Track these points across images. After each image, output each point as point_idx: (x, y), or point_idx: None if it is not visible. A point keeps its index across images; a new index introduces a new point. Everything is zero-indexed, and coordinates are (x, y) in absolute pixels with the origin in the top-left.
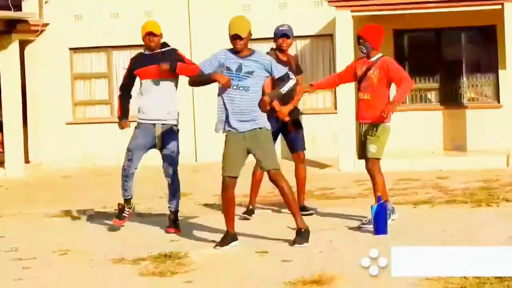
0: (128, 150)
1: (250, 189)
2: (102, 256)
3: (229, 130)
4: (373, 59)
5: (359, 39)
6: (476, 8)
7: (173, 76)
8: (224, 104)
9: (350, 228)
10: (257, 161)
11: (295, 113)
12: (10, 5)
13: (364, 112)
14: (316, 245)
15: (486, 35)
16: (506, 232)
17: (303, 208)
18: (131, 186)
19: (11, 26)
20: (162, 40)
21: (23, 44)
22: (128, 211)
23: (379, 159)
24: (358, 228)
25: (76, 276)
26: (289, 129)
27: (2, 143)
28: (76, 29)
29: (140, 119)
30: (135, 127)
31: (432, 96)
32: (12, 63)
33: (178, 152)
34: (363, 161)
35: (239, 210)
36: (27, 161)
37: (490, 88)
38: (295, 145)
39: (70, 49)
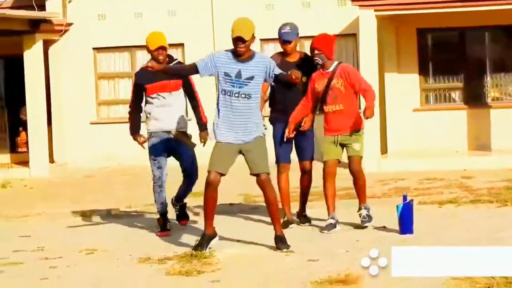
0: (154, 159)
1: (281, 200)
2: (128, 256)
3: (227, 142)
4: (330, 69)
5: (313, 51)
6: (500, 8)
7: (179, 88)
8: (224, 112)
9: (375, 228)
10: (248, 163)
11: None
12: (34, 5)
13: (339, 123)
14: (342, 245)
15: (511, 34)
16: None
17: (304, 218)
18: (165, 198)
19: (35, 26)
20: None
21: (47, 44)
22: (170, 225)
23: (361, 157)
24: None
25: (102, 275)
26: (297, 133)
27: (27, 143)
28: (100, 28)
29: (154, 127)
30: (151, 136)
31: (456, 95)
32: (36, 63)
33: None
34: (387, 161)
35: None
36: (51, 160)
37: None
38: (301, 154)
39: (94, 48)
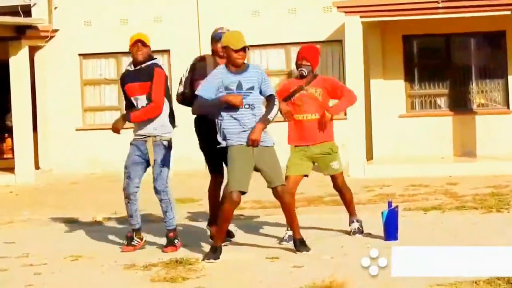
0: (125, 167)
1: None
2: (113, 262)
3: (241, 144)
4: (308, 77)
5: (301, 60)
6: (485, 14)
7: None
8: (231, 123)
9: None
10: (265, 177)
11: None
12: (20, 11)
13: (314, 132)
14: (327, 251)
15: (496, 41)
16: None
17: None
18: (137, 211)
19: (21, 32)
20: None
21: (32, 50)
22: (138, 242)
23: (342, 172)
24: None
25: (87, 281)
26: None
27: (12, 149)
28: (86, 35)
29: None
30: (131, 143)
31: (442, 101)
32: (21, 69)
33: (168, 167)
34: (372, 167)
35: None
36: (37, 167)
37: (500, 94)
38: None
39: (80, 55)
